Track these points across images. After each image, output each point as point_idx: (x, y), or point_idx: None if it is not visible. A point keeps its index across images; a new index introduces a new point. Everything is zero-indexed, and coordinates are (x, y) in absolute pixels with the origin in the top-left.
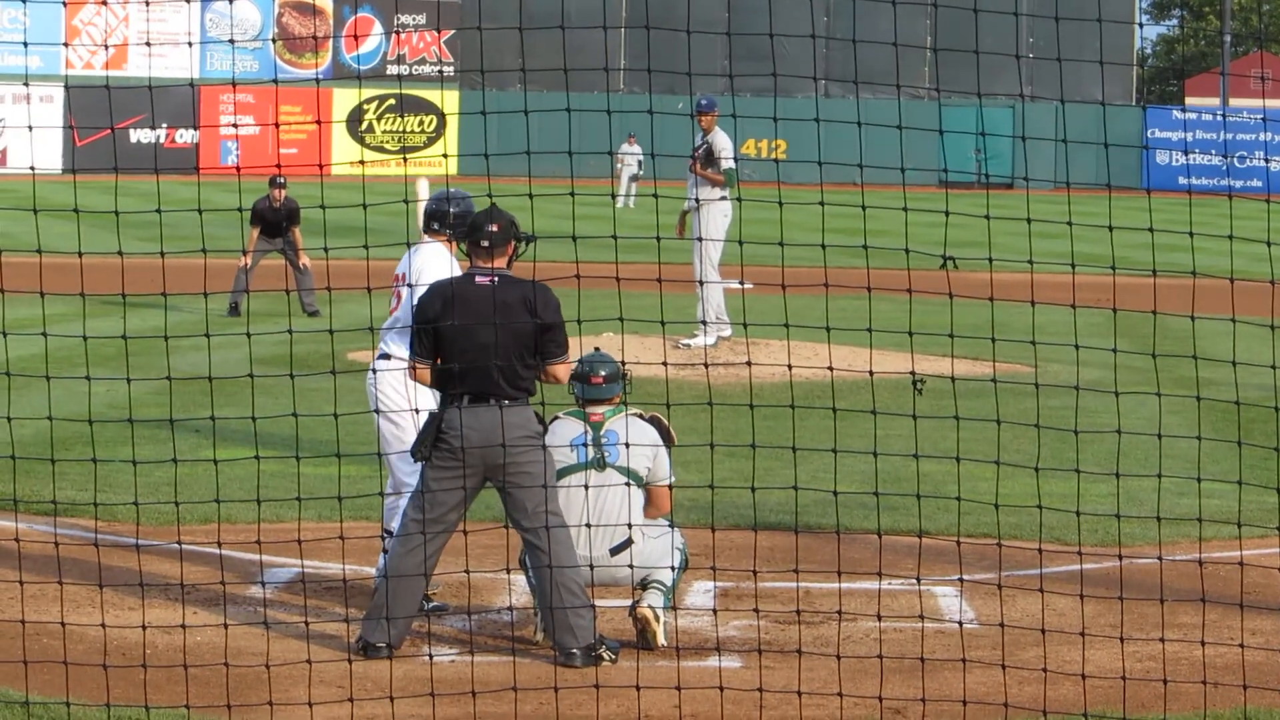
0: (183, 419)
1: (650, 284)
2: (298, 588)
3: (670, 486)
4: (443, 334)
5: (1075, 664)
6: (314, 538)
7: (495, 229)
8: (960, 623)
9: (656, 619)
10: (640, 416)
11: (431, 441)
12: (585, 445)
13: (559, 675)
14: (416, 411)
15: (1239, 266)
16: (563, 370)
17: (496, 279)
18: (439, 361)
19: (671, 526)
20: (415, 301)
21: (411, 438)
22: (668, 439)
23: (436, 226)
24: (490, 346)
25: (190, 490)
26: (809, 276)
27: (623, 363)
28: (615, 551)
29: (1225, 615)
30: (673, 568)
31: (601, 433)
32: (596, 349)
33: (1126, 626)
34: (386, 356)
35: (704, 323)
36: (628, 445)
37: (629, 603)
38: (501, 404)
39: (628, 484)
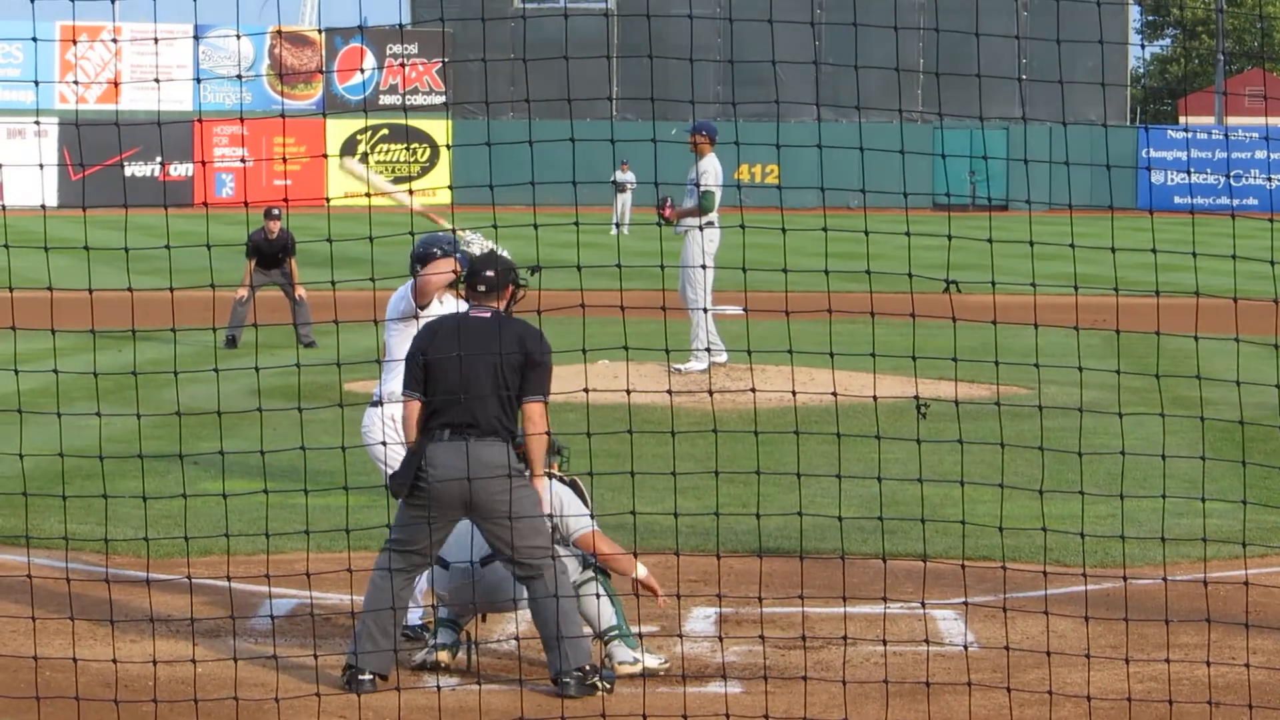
0: (191, 454)
1: (643, 311)
2: (305, 619)
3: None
4: (431, 365)
5: (1079, 686)
6: (322, 570)
7: (492, 274)
8: (965, 646)
9: (634, 663)
10: (562, 480)
11: (410, 476)
12: None
13: (565, 705)
14: (402, 444)
15: (1235, 285)
16: (536, 409)
17: (490, 314)
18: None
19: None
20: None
21: None
22: (581, 496)
23: (419, 268)
24: (477, 380)
25: (193, 523)
26: (805, 301)
27: (563, 447)
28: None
29: (1229, 635)
30: (611, 595)
31: None
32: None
33: (1130, 648)
34: (376, 403)
35: (708, 349)
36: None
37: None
38: (482, 439)
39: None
